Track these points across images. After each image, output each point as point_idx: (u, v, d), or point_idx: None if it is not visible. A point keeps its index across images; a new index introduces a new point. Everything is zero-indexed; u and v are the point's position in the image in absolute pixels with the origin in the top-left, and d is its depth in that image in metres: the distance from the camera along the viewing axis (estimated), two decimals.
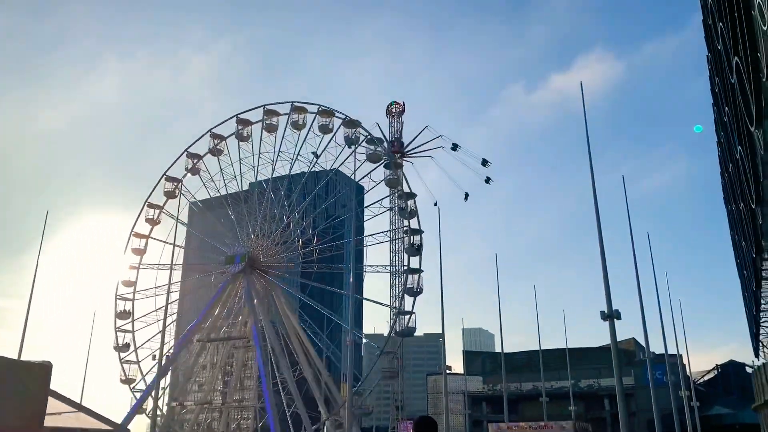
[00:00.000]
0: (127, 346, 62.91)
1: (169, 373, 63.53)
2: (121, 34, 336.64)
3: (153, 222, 66.50)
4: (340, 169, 66.32)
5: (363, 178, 64.44)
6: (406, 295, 57.50)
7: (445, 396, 47.92)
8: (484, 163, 72.55)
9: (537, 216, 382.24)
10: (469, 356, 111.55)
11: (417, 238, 60.04)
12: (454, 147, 71.29)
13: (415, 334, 62.62)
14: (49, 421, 32.62)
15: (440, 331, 46.14)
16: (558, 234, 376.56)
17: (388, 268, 62.46)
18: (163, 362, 54.58)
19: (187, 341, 59.36)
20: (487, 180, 74.40)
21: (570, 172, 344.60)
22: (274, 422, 48.89)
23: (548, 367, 78.98)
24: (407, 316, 57.07)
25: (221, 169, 67.33)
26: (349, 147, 62.23)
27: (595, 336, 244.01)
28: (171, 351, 59.03)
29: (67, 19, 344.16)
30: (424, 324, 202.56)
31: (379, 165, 62.93)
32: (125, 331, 63.34)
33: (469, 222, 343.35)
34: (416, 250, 59.50)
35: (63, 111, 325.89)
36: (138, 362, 62.50)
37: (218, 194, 68.10)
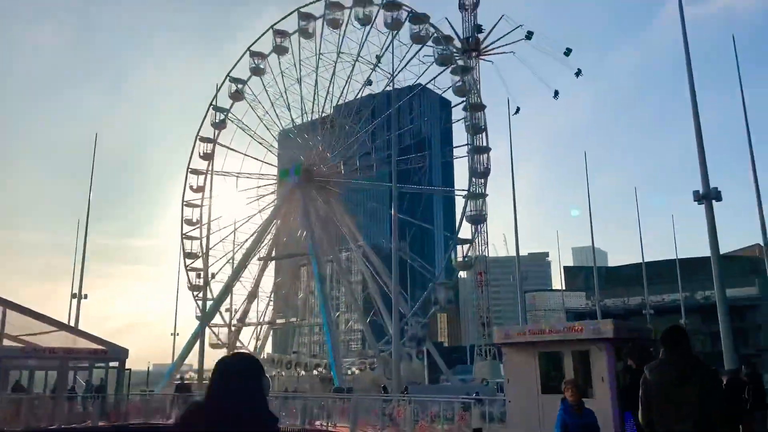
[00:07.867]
0: (195, 255, 59.94)
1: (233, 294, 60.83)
2: None
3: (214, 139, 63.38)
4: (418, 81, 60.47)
5: (427, 84, 58.48)
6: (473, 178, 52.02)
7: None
8: (567, 52, 65.02)
9: None
10: (570, 272, 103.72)
11: (485, 157, 53.55)
12: (529, 35, 63.74)
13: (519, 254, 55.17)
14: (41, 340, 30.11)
15: (544, 251, 40.16)
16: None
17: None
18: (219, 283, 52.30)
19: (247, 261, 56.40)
20: (578, 73, 66.65)
21: None
22: (333, 341, 45.27)
23: (660, 280, 71.78)
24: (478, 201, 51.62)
25: (280, 72, 62.52)
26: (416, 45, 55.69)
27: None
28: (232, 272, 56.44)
29: None
30: (528, 242, 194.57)
31: (447, 68, 56.04)
32: (192, 238, 60.74)
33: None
34: (481, 174, 53.02)
35: None
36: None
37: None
